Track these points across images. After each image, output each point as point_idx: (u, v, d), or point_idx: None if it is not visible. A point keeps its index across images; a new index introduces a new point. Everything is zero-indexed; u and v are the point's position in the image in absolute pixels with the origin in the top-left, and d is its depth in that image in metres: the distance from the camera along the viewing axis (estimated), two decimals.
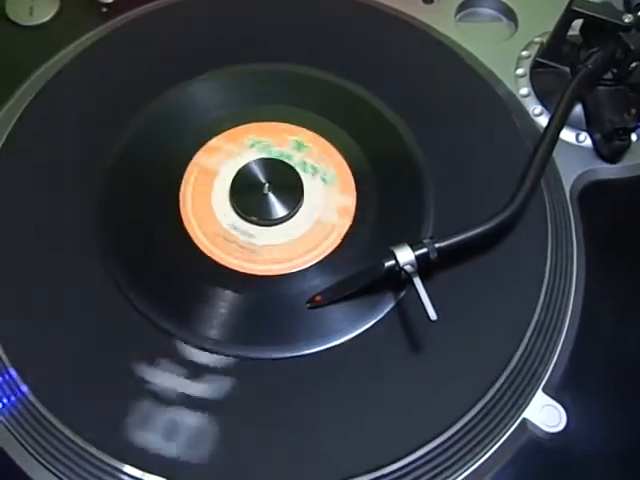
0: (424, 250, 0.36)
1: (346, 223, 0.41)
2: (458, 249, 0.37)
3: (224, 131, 0.44)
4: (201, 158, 0.43)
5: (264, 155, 0.43)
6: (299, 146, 0.43)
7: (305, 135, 0.44)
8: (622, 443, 0.37)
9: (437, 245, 0.36)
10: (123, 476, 0.34)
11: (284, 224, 0.41)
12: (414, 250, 0.36)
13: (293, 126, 0.44)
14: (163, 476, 0.34)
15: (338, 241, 0.40)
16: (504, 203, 0.38)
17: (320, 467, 0.35)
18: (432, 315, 0.34)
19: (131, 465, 0.34)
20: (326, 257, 0.40)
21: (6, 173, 0.42)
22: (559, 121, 0.41)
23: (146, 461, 0.34)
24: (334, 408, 0.36)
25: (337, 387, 0.37)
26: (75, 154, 0.43)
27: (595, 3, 0.44)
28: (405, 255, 0.36)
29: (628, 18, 0.43)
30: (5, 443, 0.36)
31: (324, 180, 0.42)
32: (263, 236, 0.41)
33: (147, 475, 0.34)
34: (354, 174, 0.43)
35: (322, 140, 0.44)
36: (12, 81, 0.47)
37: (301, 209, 0.42)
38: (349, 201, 0.42)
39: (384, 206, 0.42)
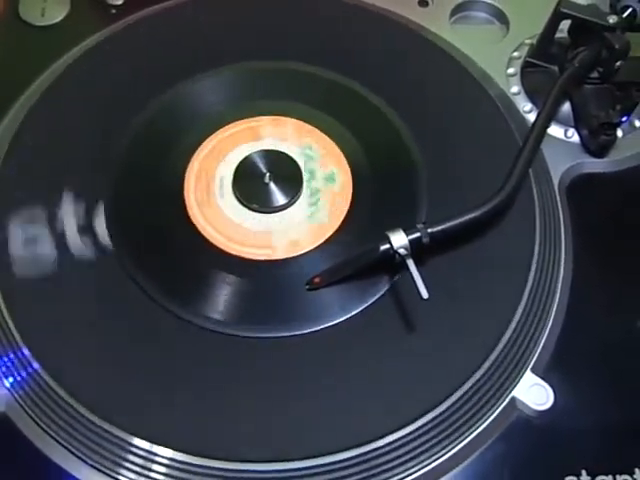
0: (417, 234, 0.38)
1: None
2: (450, 234, 0.39)
3: (296, 119, 0.46)
4: (265, 122, 0.46)
5: (302, 161, 0.45)
6: (329, 178, 0.44)
7: (343, 172, 0.45)
8: (606, 420, 0.38)
9: (430, 230, 0.38)
10: (131, 447, 0.36)
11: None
12: (408, 235, 0.38)
13: (344, 159, 0.45)
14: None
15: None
16: None
17: (304, 440, 0.36)
18: (424, 294, 0.35)
19: (140, 438, 0.36)
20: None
21: (17, 165, 0.44)
22: (547, 113, 0.42)
23: (148, 429, 0.36)
24: (321, 385, 0.38)
25: (326, 365, 0.38)
26: (81, 151, 0.45)
27: (582, 5, 0.46)
28: (399, 239, 0.38)
29: (613, 19, 0.45)
30: (12, 413, 0.38)
31: (311, 217, 0.43)
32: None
33: (155, 446, 0.36)
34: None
35: (349, 185, 0.44)
36: (25, 78, 0.48)
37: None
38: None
39: (381, 185, 0.44)
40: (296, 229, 0.42)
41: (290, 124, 0.46)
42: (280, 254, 0.41)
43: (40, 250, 0.41)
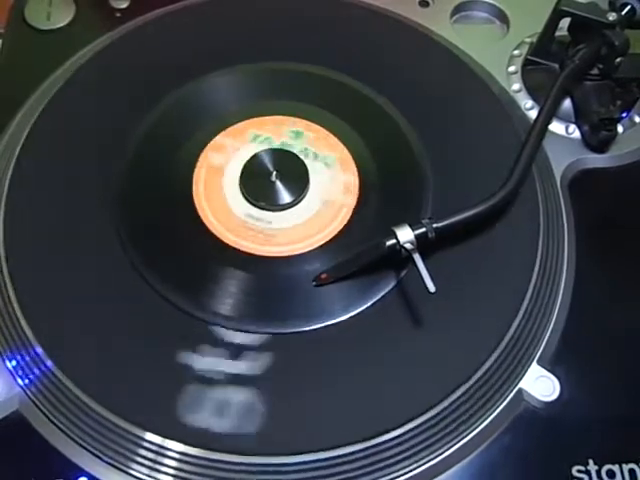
0: (423, 230, 0.38)
1: (353, 199, 0.44)
2: (455, 230, 0.39)
3: (226, 128, 0.47)
4: (209, 157, 0.46)
5: (266, 147, 0.45)
6: (297, 135, 0.46)
7: (302, 125, 0.47)
8: (612, 410, 0.39)
9: (435, 225, 0.39)
10: (143, 442, 0.36)
11: (294, 208, 0.44)
12: (414, 230, 0.38)
13: (291, 118, 0.47)
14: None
15: (347, 217, 0.43)
16: None
17: (320, 432, 0.37)
18: (431, 287, 0.36)
19: (150, 432, 0.36)
20: (334, 237, 0.43)
21: (27, 167, 0.44)
22: (548, 109, 0.43)
23: (159, 424, 0.37)
24: (335, 378, 0.38)
25: (334, 361, 0.39)
26: (89, 153, 0.45)
27: (581, 3, 0.47)
28: (405, 234, 0.38)
29: (612, 16, 0.46)
30: (26, 411, 0.38)
31: (326, 164, 0.45)
32: (277, 220, 0.43)
33: (167, 441, 0.36)
34: (354, 157, 0.45)
35: (320, 129, 0.46)
36: (31, 82, 0.49)
37: (308, 193, 0.44)
38: (351, 179, 0.44)
39: (386, 183, 0.44)
40: (334, 178, 0.44)
41: (226, 135, 0.47)
42: (355, 198, 0.43)
43: (50, 250, 0.42)
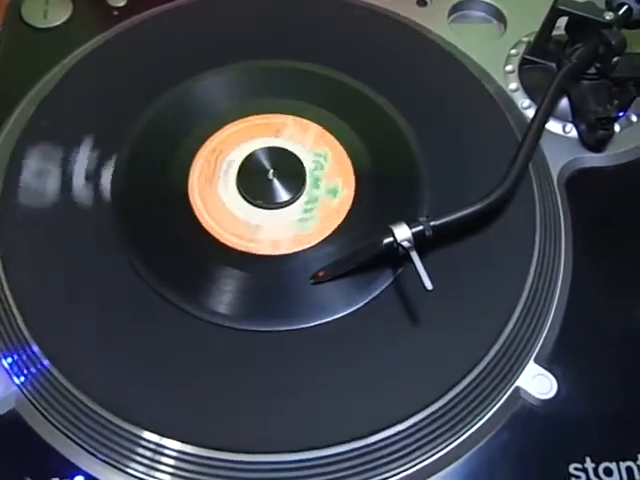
0: (420, 228, 0.38)
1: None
2: (453, 228, 0.39)
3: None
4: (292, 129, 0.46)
5: (313, 168, 0.45)
6: (334, 192, 0.44)
7: (347, 185, 0.44)
8: (609, 407, 0.39)
9: (432, 223, 0.39)
10: (140, 440, 0.36)
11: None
12: (411, 228, 0.38)
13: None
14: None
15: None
16: None
17: (317, 430, 0.37)
18: (428, 285, 0.36)
19: (148, 430, 0.36)
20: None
21: (24, 166, 0.44)
22: (545, 108, 0.43)
23: (156, 422, 0.37)
24: (332, 376, 0.38)
25: (332, 358, 0.39)
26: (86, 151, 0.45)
27: (578, 2, 0.47)
28: (402, 232, 0.38)
29: (609, 15, 0.46)
30: (23, 410, 0.38)
31: (299, 222, 0.43)
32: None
33: (165, 439, 0.36)
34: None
35: (352, 194, 0.44)
36: (28, 80, 0.49)
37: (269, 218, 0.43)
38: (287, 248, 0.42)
39: (384, 181, 0.44)
40: (288, 232, 0.43)
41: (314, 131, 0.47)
42: (261, 250, 0.42)
43: (47, 249, 0.41)
